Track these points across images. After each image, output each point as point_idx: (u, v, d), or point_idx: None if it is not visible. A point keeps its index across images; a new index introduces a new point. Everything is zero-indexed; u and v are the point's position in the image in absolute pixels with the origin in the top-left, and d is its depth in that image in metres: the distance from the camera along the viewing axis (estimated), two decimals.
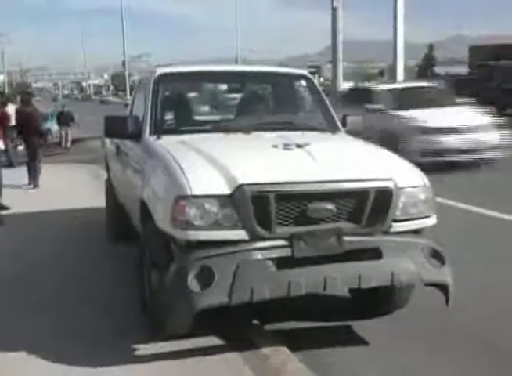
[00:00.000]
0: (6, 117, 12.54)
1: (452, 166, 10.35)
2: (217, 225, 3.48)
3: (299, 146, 3.97)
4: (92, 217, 8.01)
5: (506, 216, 7.35)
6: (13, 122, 13.34)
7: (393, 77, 26.22)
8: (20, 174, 11.61)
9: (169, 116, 5.06)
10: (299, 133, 4.64)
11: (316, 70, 33.43)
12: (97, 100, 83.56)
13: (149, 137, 4.67)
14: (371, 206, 3.63)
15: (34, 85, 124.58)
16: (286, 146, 3.97)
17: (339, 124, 5.23)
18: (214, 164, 3.69)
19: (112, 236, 6.79)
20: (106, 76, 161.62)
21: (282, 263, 3.50)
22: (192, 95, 6.69)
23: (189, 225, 3.47)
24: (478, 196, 8.53)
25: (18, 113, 12.14)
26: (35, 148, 11.62)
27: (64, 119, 21.34)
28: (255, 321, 4.31)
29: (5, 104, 13.88)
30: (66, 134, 21.23)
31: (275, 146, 4.00)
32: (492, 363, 3.83)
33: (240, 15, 60.48)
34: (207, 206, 3.48)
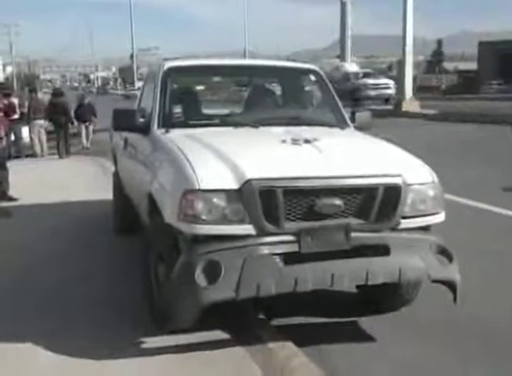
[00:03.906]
0: (12, 108, 12.55)
1: None
2: (224, 219, 3.47)
3: (307, 141, 3.95)
4: (98, 209, 8.04)
5: None
6: (18, 114, 13.54)
7: (401, 72, 26.15)
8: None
9: (177, 109, 5.04)
10: (307, 128, 4.62)
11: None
12: (113, 94, 74.58)
13: (157, 130, 4.66)
14: (379, 202, 3.61)
15: (42, 77, 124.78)
16: (295, 141, 3.95)
17: (348, 119, 5.21)
18: (223, 159, 3.68)
19: (119, 229, 6.80)
20: (113, 69, 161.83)
21: (289, 259, 3.50)
22: (200, 88, 6.67)
23: (196, 219, 3.46)
24: None
25: (51, 103, 16.24)
26: (65, 129, 16.08)
27: (84, 113, 17.89)
28: (261, 316, 4.32)
29: (9, 95, 13.89)
30: (87, 130, 18.02)
31: (283, 141, 3.98)
32: (494, 359, 3.84)
33: (248, 9, 60.26)
34: (215, 200, 3.47)
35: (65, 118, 16.13)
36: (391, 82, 31.76)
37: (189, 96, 5.51)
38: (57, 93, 17.05)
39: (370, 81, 31.73)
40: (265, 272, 3.40)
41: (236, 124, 4.70)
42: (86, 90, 57.89)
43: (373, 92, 30.74)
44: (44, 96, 22.64)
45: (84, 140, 17.88)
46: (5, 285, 5.19)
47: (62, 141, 15.93)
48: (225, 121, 4.91)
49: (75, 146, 17.02)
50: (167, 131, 4.57)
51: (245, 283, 3.35)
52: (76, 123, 17.58)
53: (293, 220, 3.54)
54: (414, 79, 29.86)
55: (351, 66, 36.73)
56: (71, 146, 16.58)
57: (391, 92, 31.10)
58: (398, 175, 3.70)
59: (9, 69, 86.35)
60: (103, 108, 16.59)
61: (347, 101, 30.41)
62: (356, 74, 33.41)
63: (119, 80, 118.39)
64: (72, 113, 17.08)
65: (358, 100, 29.97)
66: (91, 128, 18.12)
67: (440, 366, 3.77)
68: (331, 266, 3.51)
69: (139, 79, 52.95)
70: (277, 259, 3.48)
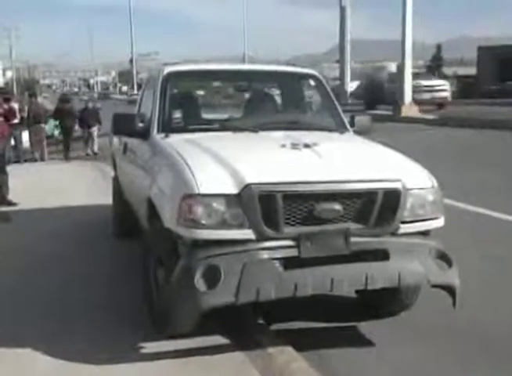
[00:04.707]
0: (12, 113, 12.59)
1: None
2: (224, 224, 3.47)
3: (307, 145, 3.96)
4: (97, 214, 8.04)
5: None
6: (18, 119, 13.59)
7: (401, 77, 26.12)
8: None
9: (177, 114, 5.05)
10: (307, 133, 4.63)
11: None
12: (115, 99, 71.42)
13: (156, 135, 4.67)
14: (379, 207, 3.62)
15: (42, 82, 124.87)
16: (294, 146, 3.96)
17: (347, 124, 5.21)
18: (222, 163, 3.68)
19: (118, 233, 6.81)
20: (113, 73, 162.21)
21: (288, 263, 3.50)
22: (199, 93, 6.69)
23: (196, 223, 3.46)
24: None
25: (58, 109, 17.35)
26: (70, 132, 17.02)
27: (88, 118, 17.51)
28: (261, 321, 4.31)
29: (9, 100, 13.89)
30: (91, 136, 17.53)
31: (283, 146, 3.99)
32: (493, 362, 3.84)
33: (247, 14, 60.36)
34: (214, 205, 3.47)
35: (70, 123, 16.98)
36: (445, 84, 28.20)
37: (189, 101, 5.52)
38: (64, 99, 18.04)
39: (423, 82, 27.57)
40: (264, 276, 3.40)
41: (236, 129, 4.71)
42: (88, 95, 57.03)
43: (425, 95, 26.92)
44: (43, 101, 22.66)
45: (89, 147, 17.46)
46: (5, 288, 5.19)
47: (67, 145, 16.74)
48: (224, 126, 4.92)
49: (75, 151, 17.04)
50: (166, 136, 4.58)
51: (245, 287, 3.35)
52: (77, 128, 17.52)
53: (292, 225, 3.54)
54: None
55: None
56: (72, 150, 16.63)
57: (447, 94, 27.60)
58: (398, 180, 3.70)
59: (9, 74, 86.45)
60: (105, 113, 16.51)
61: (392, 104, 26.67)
62: None
63: (118, 85, 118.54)
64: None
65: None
66: (94, 133, 17.53)
67: (440, 370, 3.78)
68: (331, 271, 3.52)
69: (139, 84, 52.78)
70: (277, 264, 3.47)
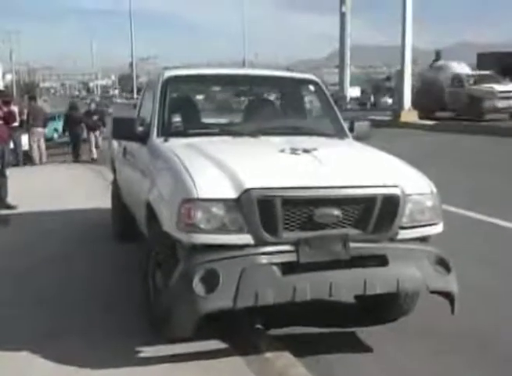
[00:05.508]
0: (12, 116, 12.58)
1: None
2: (223, 229, 3.48)
3: (306, 151, 3.97)
4: (97, 217, 8.03)
5: None
6: (18, 122, 13.61)
7: (400, 83, 26.13)
8: None
9: (176, 118, 5.05)
10: (306, 138, 4.64)
11: None
12: (119, 103, 65.04)
13: (156, 139, 4.67)
14: (378, 212, 3.62)
15: (42, 85, 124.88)
16: (294, 151, 3.97)
17: (346, 129, 5.22)
18: (221, 168, 3.69)
19: (117, 237, 6.80)
20: (113, 77, 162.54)
21: (287, 268, 3.50)
22: (199, 97, 6.69)
23: (195, 228, 3.47)
24: None
25: (67, 116, 18.24)
26: (78, 137, 17.60)
27: (91, 119, 17.93)
28: (259, 326, 4.31)
29: (9, 103, 13.86)
30: (96, 139, 17.67)
31: (282, 151, 4.00)
32: (493, 367, 3.85)
33: (247, 18, 60.54)
34: (213, 210, 3.47)
35: (78, 130, 17.48)
36: None
37: (189, 105, 5.51)
38: (74, 107, 18.92)
39: (498, 87, 23.01)
40: (263, 281, 3.40)
41: (235, 134, 4.72)
42: (90, 98, 56.99)
43: (500, 103, 22.57)
44: (43, 104, 22.69)
45: (93, 149, 17.51)
46: (5, 289, 5.21)
47: (77, 147, 17.35)
48: (224, 131, 4.93)
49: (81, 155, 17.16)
50: (166, 140, 4.58)
51: (243, 292, 3.36)
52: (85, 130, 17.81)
53: (291, 230, 3.54)
54: (413, 89, 28.01)
55: (461, 67, 27.56)
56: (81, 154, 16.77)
57: None
58: (397, 186, 3.71)
59: (9, 76, 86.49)
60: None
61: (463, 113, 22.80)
62: (468, 77, 25.12)
63: (117, 88, 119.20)
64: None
65: (483, 114, 22.66)
66: (99, 138, 17.67)
67: (440, 374, 3.79)
68: (329, 276, 3.52)
69: (138, 88, 53.12)
70: (275, 269, 3.47)
